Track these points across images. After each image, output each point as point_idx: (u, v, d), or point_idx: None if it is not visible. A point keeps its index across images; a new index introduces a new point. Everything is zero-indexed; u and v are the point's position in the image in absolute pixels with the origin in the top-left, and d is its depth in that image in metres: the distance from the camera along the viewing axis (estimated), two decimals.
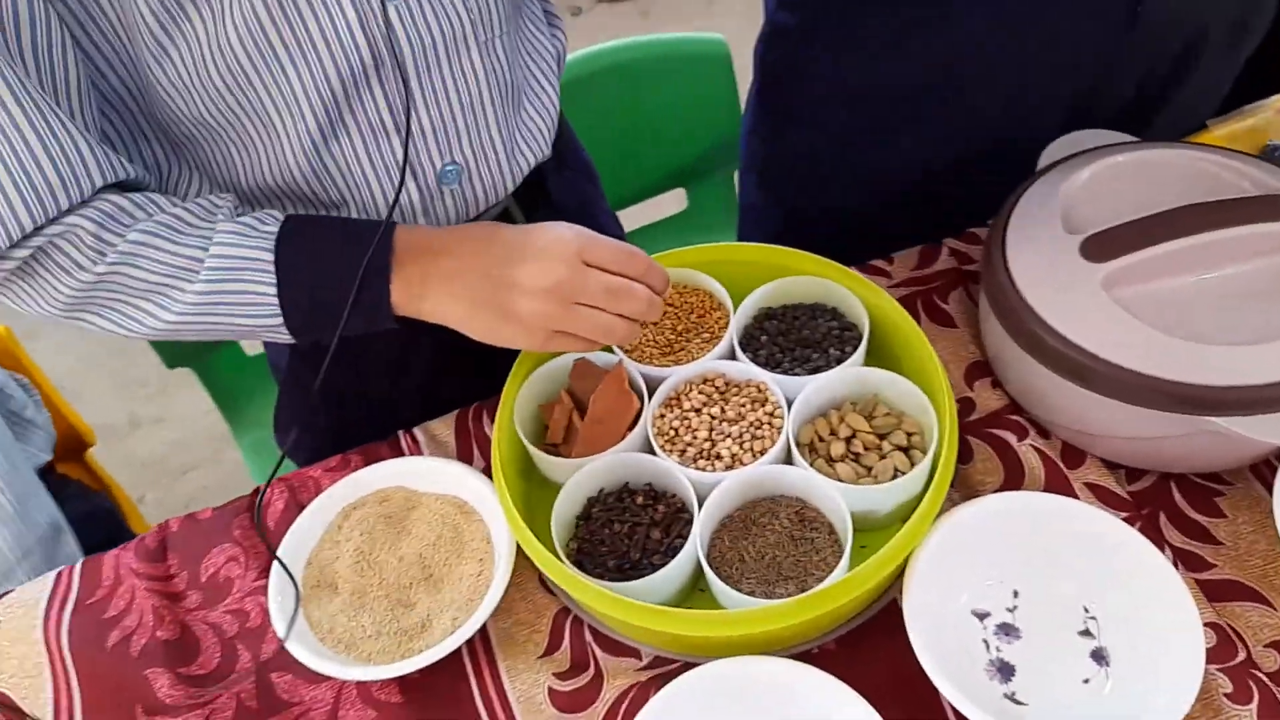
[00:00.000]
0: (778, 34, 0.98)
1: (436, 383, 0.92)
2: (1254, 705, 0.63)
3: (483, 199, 0.81)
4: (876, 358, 0.79)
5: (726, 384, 0.77)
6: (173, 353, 1.30)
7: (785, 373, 0.77)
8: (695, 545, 0.68)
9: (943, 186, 0.96)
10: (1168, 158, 0.80)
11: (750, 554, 0.70)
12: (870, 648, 0.69)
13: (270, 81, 0.67)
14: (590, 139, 1.48)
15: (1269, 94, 1.00)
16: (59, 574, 0.81)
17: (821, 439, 0.74)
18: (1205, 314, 0.70)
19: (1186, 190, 0.76)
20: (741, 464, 0.72)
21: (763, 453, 0.72)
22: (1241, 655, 0.65)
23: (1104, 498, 0.73)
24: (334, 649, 0.71)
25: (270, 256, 0.67)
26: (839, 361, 0.77)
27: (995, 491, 0.75)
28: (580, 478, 0.73)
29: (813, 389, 0.75)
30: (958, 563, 0.69)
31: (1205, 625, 0.64)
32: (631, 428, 0.75)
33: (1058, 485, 0.74)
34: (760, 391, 0.76)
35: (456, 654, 0.72)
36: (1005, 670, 0.67)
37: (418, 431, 0.86)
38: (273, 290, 0.68)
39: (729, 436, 0.74)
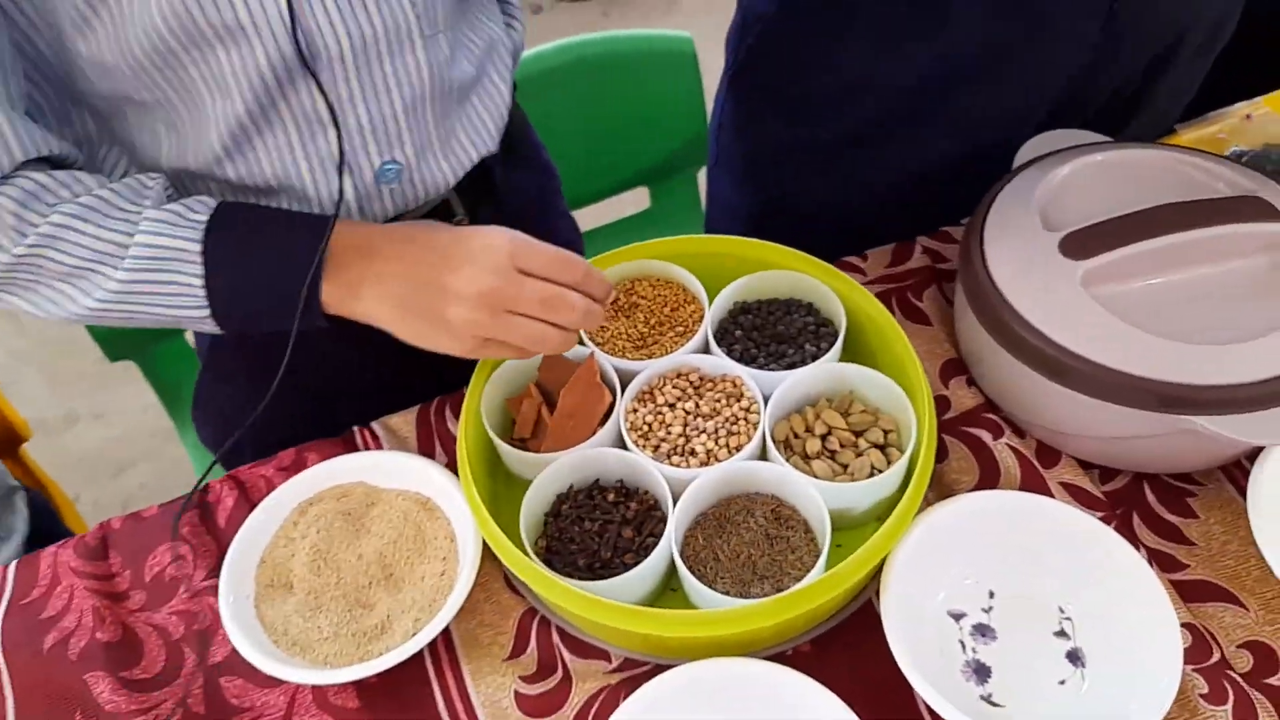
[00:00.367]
0: (753, 22, 0.96)
1: (378, 377, 0.88)
2: (1229, 706, 0.63)
3: (422, 195, 0.78)
4: (852, 354, 0.78)
5: (701, 379, 0.75)
6: (114, 345, 1.25)
7: (760, 368, 0.75)
8: (670, 543, 0.66)
9: (916, 186, 0.96)
10: (1144, 158, 0.80)
11: (725, 553, 0.68)
12: (846, 649, 0.68)
13: (200, 60, 0.64)
14: (552, 135, 1.46)
15: (1234, 99, 1.01)
16: None
17: (797, 435, 0.73)
18: (1183, 313, 0.69)
19: (1162, 190, 0.76)
20: (717, 460, 0.70)
21: (738, 449, 0.70)
22: (1216, 656, 0.65)
23: (1079, 497, 0.72)
24: (288, 651, 0.68)
25: (197, 246, 0.64)
26: (814, 357, 0.75)
27: (970, 490, 0.74)
28: (549, 474, 0.71)
29: (788, 385, 0.73)
30: (933, 562, 0.68)
31: (1180, 626, 0.64)
32: (603, 423, 0.73)
33: (1034, 484, 0.73)
34: (735, 386, 0.74)
35: (418, 657, 0.69)
36: (981, 671, 0.66)
37: (376, 426, 0.83)
38: (199, 281, 0.65)
39: (704, 432, 0.72)
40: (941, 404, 0.79)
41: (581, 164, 1.51)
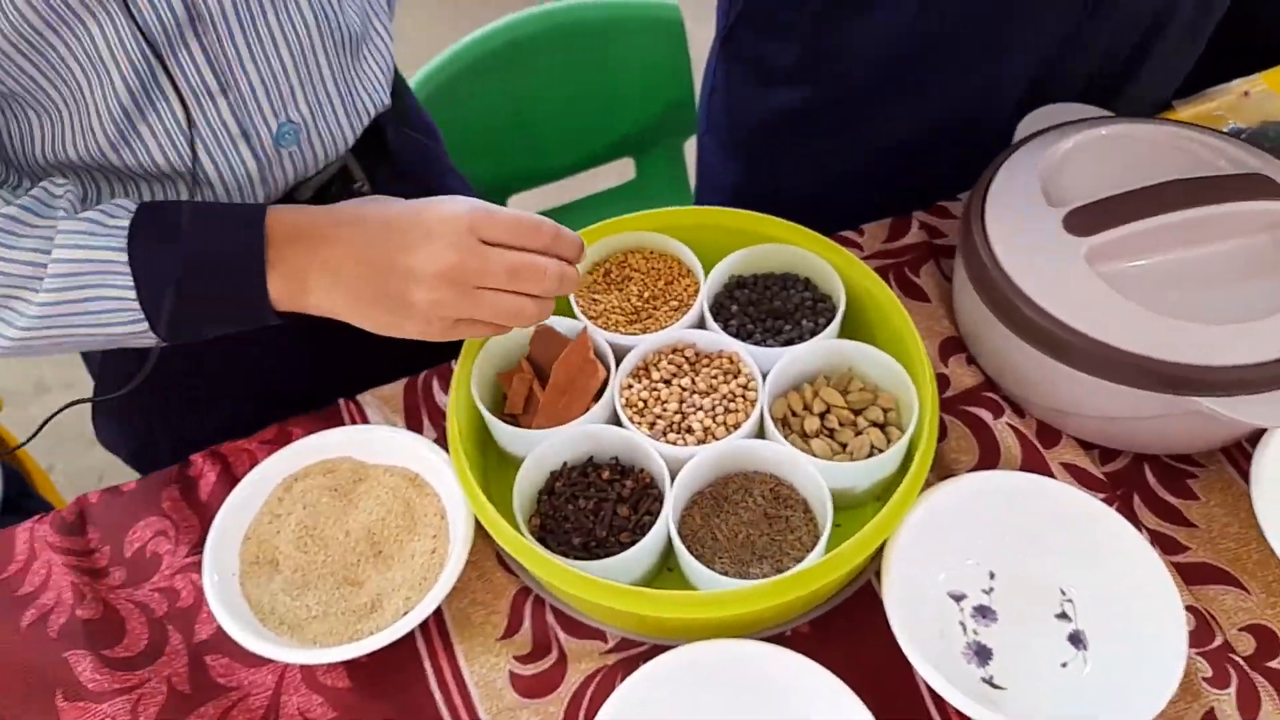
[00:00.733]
0: None
1: (286, 374, 0.84)
2: (1233, 689, 0.62)
3: (322, 157, 0.73)
4: (850, 330, 0.77)
5: (697, 354, 0.74)
6: None
7: (757, 344, 0.74)
8: (667, 522, 0.65)
9: (902, 158, 0.95)
10: (1147, 133, 0.79)
11: (723, 532, 0.67)
12: (845, 630, 0.67)
13: (71, 39, 0.59)
14: (536, 103, 1.44)
15: (1231, 76, 1.00)
16: None
17: (795, 413, 0.71)
18: (1187, 292, 0.68)
19: (1166, 166, 0.75)
20: (714, 438, 0.69)
21: (736, 426, 0.69)
22: (1218, 639, 0.65)
23: (1080, 478, 0.72)
24: (276, 630, 0.66)
25: (123, 256, 0.59)
26: (812, 333, 0.74)
27: (970, 470, 0.73)
28: (543, 450, 0.69)
29: (786, 361, 0.72)
30: (934, 543, 0.67)
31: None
32: (597, 399, 0.71)
33: (1034, 465, 0.72)
34: (732, 363, 0.73)
35: (409, 636, 0.67)
36: (983, 653, 0.65)
37: (362, 399, 0.81)
38: (131, 293, 0.60)
39: (701, 409, 0.70)
40: (940, 382, 0.78)
41: (565, 133, 1.49)
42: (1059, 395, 0.72)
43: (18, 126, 0.64)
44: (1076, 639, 0.65)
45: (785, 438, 0.69)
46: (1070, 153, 0.77)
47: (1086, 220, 0.70)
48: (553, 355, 0.73)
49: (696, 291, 0.77)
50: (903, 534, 0.65)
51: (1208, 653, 0.64)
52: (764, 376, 0.71)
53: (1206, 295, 0.68)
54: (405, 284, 0.60)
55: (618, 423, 0.71)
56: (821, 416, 0.71)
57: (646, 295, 0.78)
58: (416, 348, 0.77)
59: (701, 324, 0.76)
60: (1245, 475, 0.72)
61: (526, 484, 0.69)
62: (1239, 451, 0.74)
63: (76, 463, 1.91)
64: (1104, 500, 0.68)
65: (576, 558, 0.65)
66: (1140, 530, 0.69)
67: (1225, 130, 0.94)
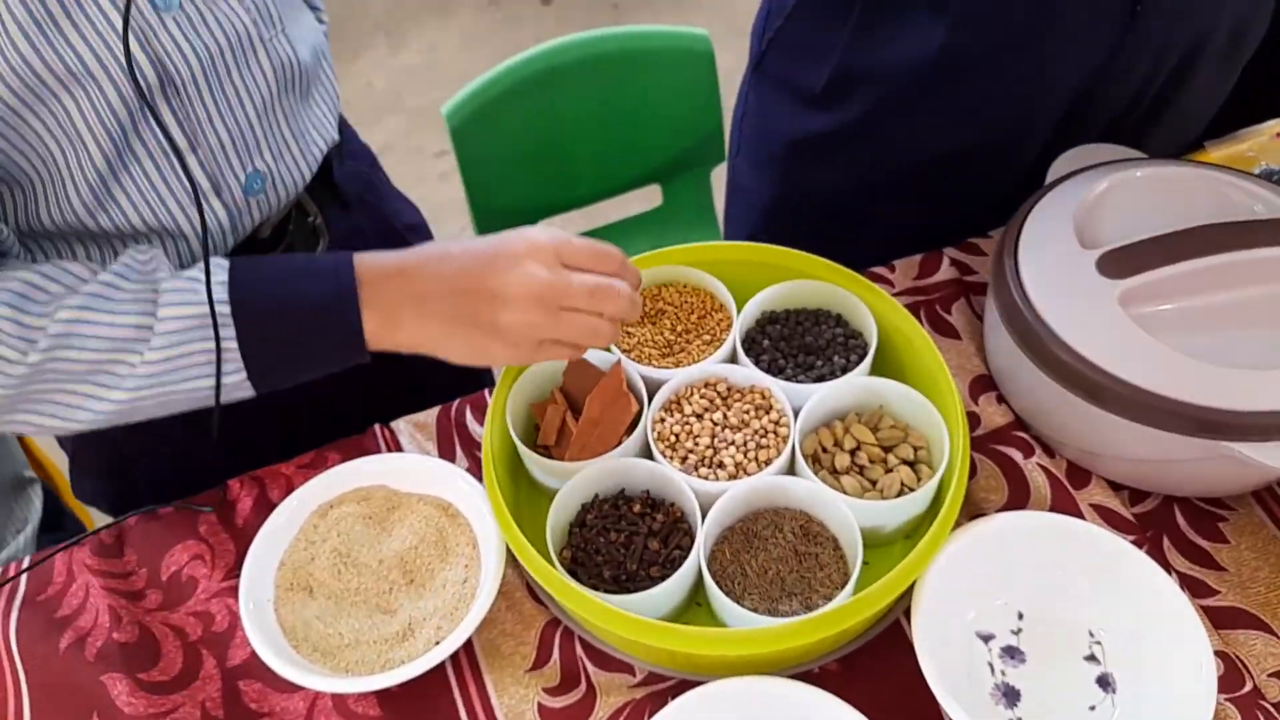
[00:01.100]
0: (775, 13, 0.96)
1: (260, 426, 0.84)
2: None
3: (283, 198, 0.76)
4: (881, 366, 0.77)
5: (729, 389, 0.74)
6: None
7: (789, 379, 0.74)
8: (698, 557, 0.65)
9: (931, 181, 0.96)
10: (1181, 175, 0.79)
11: (753, 568, 0.67)
12: (873, 668, 0.67)
13: (48, 117, 0.61)
14: (566, 131, 1.45)
15: (1263, 118, 1.00)
16: (4, 569, 0.75)
17: (825, 450, 0.72)
18: (1220, 336, 0.69)
19: (1199, 209, 0.75)
20: (746, 473, 0.70)
21: (768, 462, 0.70)
22: (1248, 685, 0.64)
23: (1110, 519, 0.72)
24: (309, 657, 0.67)
25: (227, 309, 0.62)
26: (844, 370, 0.75)
27: (999, 509, 0.73)
28: (575, 483, 0.70)
29: (818, 398, 0.72)
30: (963, 583, 0.67)
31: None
32: (629, 432, 0.72)
33: (1064, 505, 0.72)
34: (764, 398, 0.73)
35: (439, 666, 0.68)
36: (1011, 695, 0.65)
37: (397, 425, 0.82)
38: (233, 344, 0.62)
39: (732, 444, 0.71)
40: (971, 421, 0.78)
41: (595, 161, 1.50)
42: (1090, 436, 0.72)
43: None
44: (1105, 681, 0.65)
45: (815, 473, 0.70)
46: (1103, 195, 0.78)
47: (1120, 263, 0.71)
48: (586, 387, 0.74)
49: (729, 326, 0.78)
50: (932, 573, 0.65)
51: (1237, 698, 0.64)
52: (795, 412, 0.72)
53: (1239, 339, 0.68)
54: (496, 307, 0.63)
55: (650, 456, 0.71)
56: (852, 453, 0.71)
57: (679, 329, 0.79)
58: (445, 376, 0.79)
59: (734, 358, 0.76)
60: (1276, 519, 0.72)
61: (559, 516, 0.69)
62: (1270, 495, 0.74)
63: None
64: (1134, 542, 0.68)
65: (607, 590, 0.66)
66: (1170, 573, 0.69)
67: (1256, 171, 0.95)
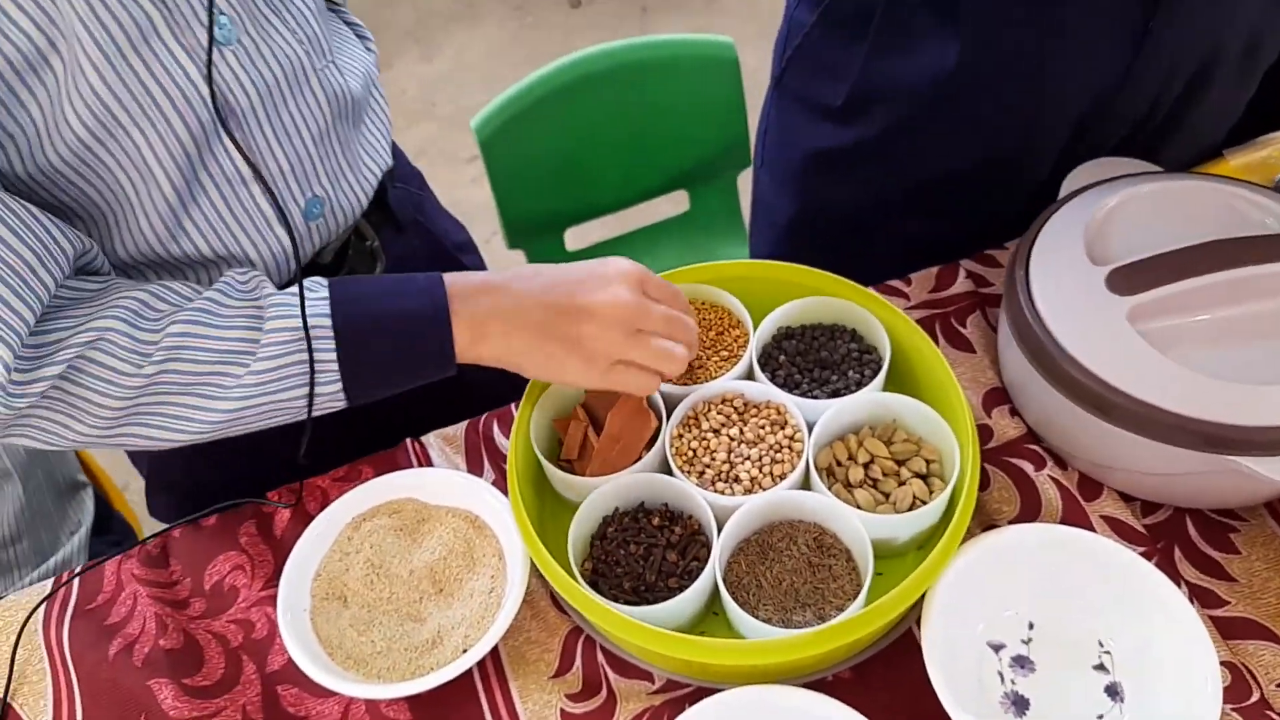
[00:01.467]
0: (795, 30, 0.98)
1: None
2: None
3: (342, 223, 0.80)
4: (896, 381, 0.79)
5: (745, 404, 0.77)
6: None
7: (804, 394, 0.76)
8: (714, 569, 0.68)
9: (949, 195, 0.97)
10: (1191, 189, 0.80)
11: (768, 580, 0.69)
12: (885, 677, 0.69)
13: (119, 151, 0.64)
14: (595, 138, 1.48)
15: None
16: (57, 578, 0.79)
17: (839, 463, 0.74)
18: (1230, 351, 0.70)
19: (1210, 223, 0.76)
20: (761, 488, 0.72)
21: (782, 476, 0.72)
22: (1255, 695, 0.66)
23: (1121, 531, 0.73)
24: (343, 664, 0.70)
25: (328, 322, 0.65)
26: (858, 385, 0.76)
27: (1011, 521, 0.75)
28: (596, 497, 0.73)
29: (832, 413, 0.74)
30: (974, 593, 0.68)
31: (1220, 664, 0.64)
32: (649, 447, 0.75)
33: (1075, 517, 0.74)
34: (780, 414, 0.75)
35: (467, 672, 0.71)
36: (1020, 703, 0.67)
37: (427, 439, 0.85)
38: (332, 355, 0.66)
39: (748, 459, 0.73)
40: (984, 433, 0.79)
41: (622, 168, 1.53)
42: (1100, 450, 0.74)
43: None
44: (1113, 691, 0.67)
45: (829, 487, 0.72)
46: (1114, 210, 0.79)
47: (1129, 280, 0.72)
48: (608, 404, 0.76)
49: (746, 342, 0.80)
50: (943, 584, 0.67)
51: (1244, 708, 0.65)
52: (810, 426, 0.74)
53: (1248, 354, 0.69)
54: (580, 323, 0.68)
55: (669, 471, 0.74)
56: (866, 467, 0.73)
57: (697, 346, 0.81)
58: (477, 391, 0.82)
59: (751, 374, 0.79)
60: None
61: (580, 529, 0.72)
62: None
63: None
64: (1144, 553, 0.69)
65: (627, 601, 0.68)
66: (1180, 583, 0.70)
67: (1277, 178, 0.95)
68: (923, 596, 0.67)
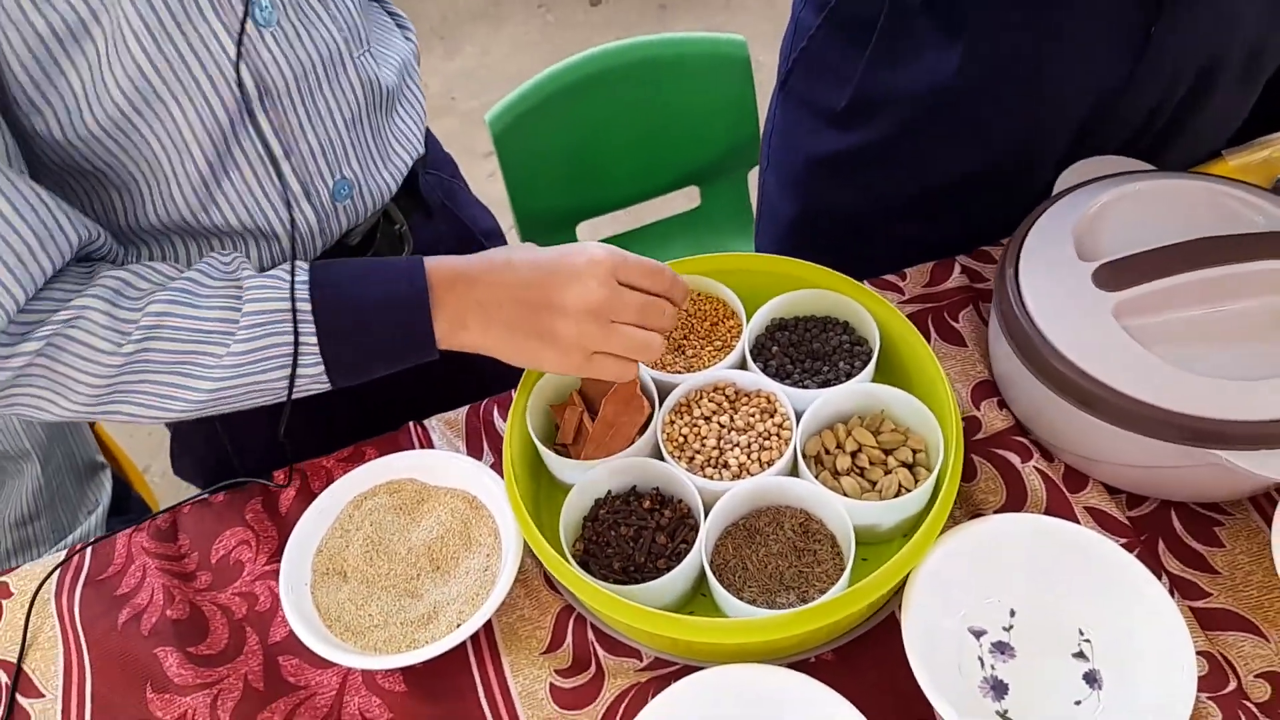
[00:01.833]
0: (801, 33, 0.99)
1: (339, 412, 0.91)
2: None
3: (371, 206, 0.82)
4: (886, 374, 0.80)
5: (736, 393, 0.78)
6: None
7: (795, 384, 0.78)
8: (700, 551, 0.69)
9: (950, 200, 0.98)
10: (1183, 188, 0.81)
11: (753, 562, 0.71)
12: (868, 660, 0.71)
13: (155, 122, 0.66)
14: (607, 134, 1.50)
15: None
16: (70, 550, 0.82)
17: (828, 451, 0.75)
18: (1213, 347, 0.71)
19: (1200, 222, 0.77)
20: (749, 473, 0.73)
21: (770, 463, 0.73)
22: (1232, 685, 0.67)
23: (1104, 522, 0.74)
24: (341, 636, 0.72)
25: (308, 305, 0.67)
26: (849, 376, 0.78)
27: (997, 511, 0.76)
28: (589, 480, 0.75)
29: (821, 402, 0.76)
30: (957, 580, 0.70)
31: (1198, 654, 0.66)
32: (641, 432, 0.76)
33: (1059, 508, 0.75)
34: (769, 402, 0.77)
35: (461, 646, 0.73)
36: (999, 688, 0.68)
37: (430, 423, 0.87)
38: (313, 339, 0.67)
39: (737, 446, 0.75)
40: (972, 425, 0.81)
41: (634, 164, 1.55)
42: (1085, 443, 0.75)
43: (102, 202, 0.71)
44: (1092, 678, 0.68)
45: (817, 475, 0.73)
46: (1105, 207, 0.80)
47: (1115, 276, 0.73)
48: (603, 390, 0.78)
49: (740, 333, 0.81)
50: (926, 570, 0.69)
51: (1220, 697, 0.66)
52: (800, 415, 0.76)
53: (1231, 351, 0.70)
54: (554, 318, 0.68)
55: (660, 456, 0.76)
56: (853, 455, 0.75)
57: (692, 335, 0.83)
58: (477, 377, 0.84)
59: (744, 364, 0.80)
60: (1272, 524, 0.73)
61: (573, 510, 0.74)
62: (1267, 500, 0.76)
63: (168, 463, 2.03)
64: (1126, 545, 0.70)
65: (616, 581, 0.70)
66: (1162, 575, 0.71)
67: (1277, 179, 0.95)
68: (905, 582, 0.68)
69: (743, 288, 0.83)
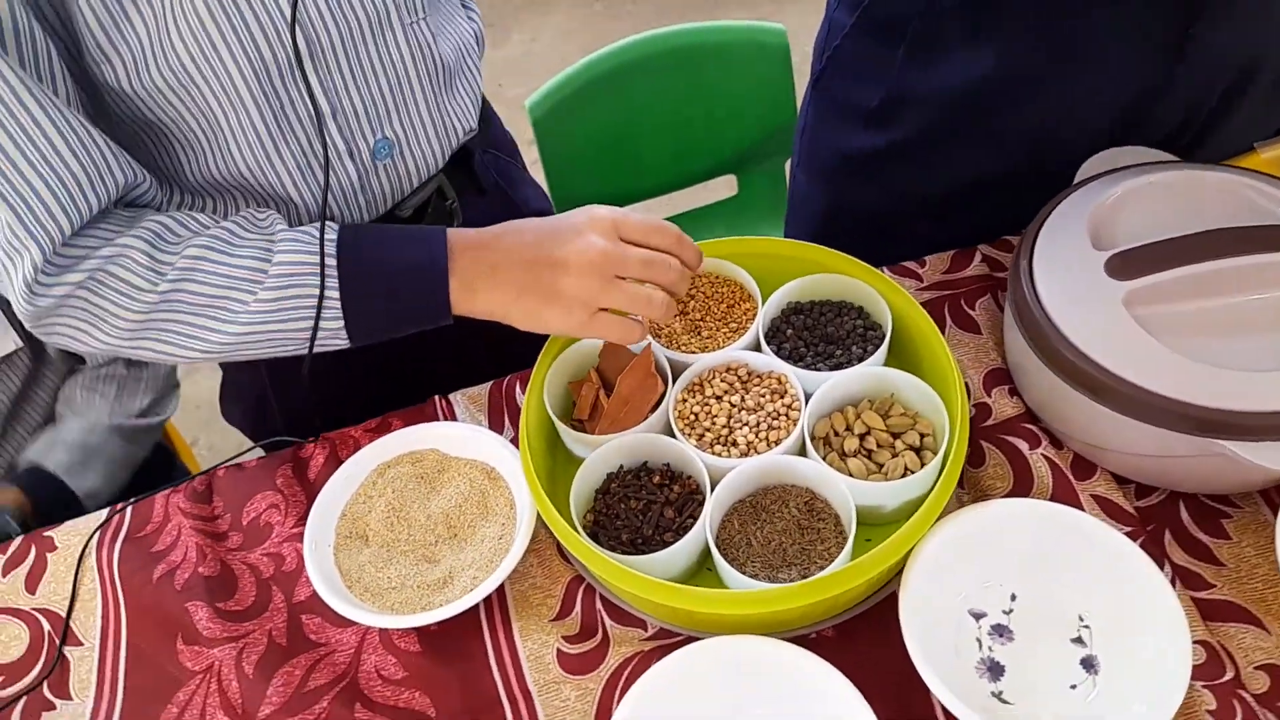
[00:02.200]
0: (835, 31, 1.00)
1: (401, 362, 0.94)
2: None
3: (415, 173, 0.84)
4: (898, 358, 0.82)
5: (749, 374, 0.80)
6: None
7: (808, 367, 0.80)
8: (705, 526, 0.71)
9: (981, 198, 0.98)
10: (1202, 179, 0.80)
11: (758, 539, 0.73)
12: (868, 637, 0.72)
13: (211, 76, 0.69)
14: (645, 121, 1.52)
15: None
16: (112, 508, 0.86)
17: (837, 433, 0.77)
18: (1223, 338, 0.71)
19: (1217, 213, 0.77)
20: (756, 452, 0.75)
21: (777, 443, 0.75)
22: (1230, 674, 0.67)
23: (1110, 511, 0.74)
24: (361, 597, 0.75)
25: (334, 261, 0.70)
26: (860, 359, 0.79)
27: (1004, 497, 0.77)
28: (602, 453, 0.77)
29: (830, 385, 0.77)
30: (959, 562, 0.71)
31: (1196, 643, 0.66)
32: (654, 409, 0.78)
33: (1065, 495, 0.75)
34: (780, 383, 0.79)
35: (474, 610, 0.76)
36: (995, 669, 0.69)
37: (454, 397, 0.90)
38: (336, 294, 0.71)
39: (746, 425, 0.76)
40: (983, 411, 0.82)
41: (672, 152, 1.56)
42: (1094, 431, 0.75)
43: (168, 157, 0.75)
44: (1089, 664, 0.69)
45: (825, 456, 0.75)
46: (1122, 197, 0.80)
47: (1127, 265, 0.73)
48: (619, 368, 0.80)
49: (755, 315, 0.83)
50: (927, 550, 0.70)
51: (1215, 686, 0.66)
52: (810, 398, 0.77)
53: (1241, 342, 0.70)
54: (556, 274, 0.70)
55: (671, 433, 0.78)
56: (861, 438, 0.76)
57: (708, 317, 0.84)
58: (498, 354, 0.86)
59: (758, 346, 0.82)
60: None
61: (585, 483, 0.76)
62: (1276, 493, 0.76)
63: (217, 436, 2.10)
64: (1130, 534, 0.71)
65: (624, 552, 0.73)
66: (1165, 565, 0.72)
67: None
68: (907, 560, 0.69)
69: (761, 271, 0.85)
